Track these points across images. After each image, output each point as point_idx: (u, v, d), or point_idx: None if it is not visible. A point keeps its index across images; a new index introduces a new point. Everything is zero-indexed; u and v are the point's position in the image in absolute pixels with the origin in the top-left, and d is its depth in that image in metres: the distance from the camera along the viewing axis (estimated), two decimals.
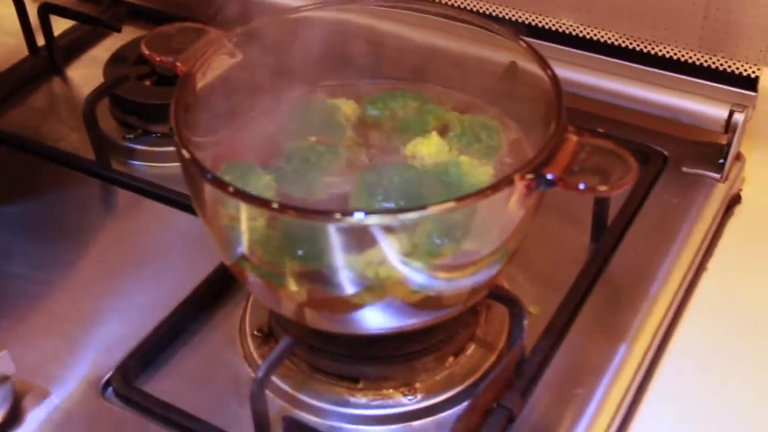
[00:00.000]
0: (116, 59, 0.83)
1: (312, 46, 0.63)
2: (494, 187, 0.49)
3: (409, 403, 0.59)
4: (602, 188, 0.50)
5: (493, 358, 0.61)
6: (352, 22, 0.63)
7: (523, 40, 0.59)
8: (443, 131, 0.61)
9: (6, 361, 0.57)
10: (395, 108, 0.63)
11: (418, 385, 0.59)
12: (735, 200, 0.75)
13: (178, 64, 0.58)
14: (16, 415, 0.58)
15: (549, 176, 0.49)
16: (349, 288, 0.52)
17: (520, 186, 0.50)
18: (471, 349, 0.62)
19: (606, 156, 0.51)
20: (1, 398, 0.57)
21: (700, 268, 0.69)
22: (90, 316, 0.65)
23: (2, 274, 0.68)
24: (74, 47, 0.92)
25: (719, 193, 0.73)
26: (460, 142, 0.60)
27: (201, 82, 0.59)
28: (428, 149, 0.59)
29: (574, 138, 0.52)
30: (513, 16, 0.79)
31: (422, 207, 0.50)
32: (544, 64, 0.56)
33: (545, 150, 0.50)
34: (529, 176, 0.49)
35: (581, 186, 0.49)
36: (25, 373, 0.59)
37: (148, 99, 0.79)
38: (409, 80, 0.66)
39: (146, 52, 0.59)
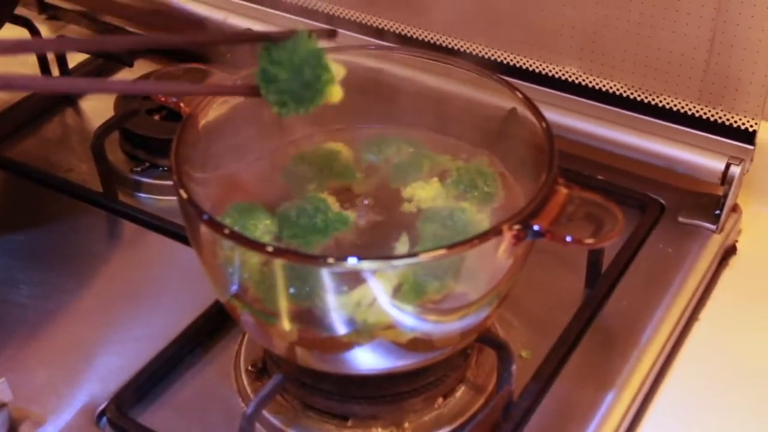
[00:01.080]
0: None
1: None
2: (482, 237, 0.50)
3: None
4: (588, 241, 0.51)
5: (482, 400, 0.62)
6: (350, 63, 0.64)
7: (519, 91, 0.60)
8: (441, 177, 0.62)
9: (4, 388, 0.58)
10: (390, 153, 0.64)
11: (406, 425, 0.60)
12: (730, 251, 0.75)
13: (182, 104, 0.60)
14: None
15: (536, 228, 0.51)
16: (339, 328, 0.53)
17: (508, 236, 0.51)
18: (460, 391, 0.62)
19: (595, 208, 0.52)
20: None
21: (692, 318, 0.70)
22: (88, 346, 0.66)
23: (5, 301, 0.69)
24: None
25: (714, 244, 0.74)
26: (457, 188, 0.61)
27: (203, 121, 0.61)
28: (427, 194, 0.60)
29: (563, 190, 0.53)
30: (519, 63, 0.81)
31: (414, 254, 0.51)
32: (539, 115, 0.57)
33: (534, 201, 0.52)
34: (517, 227, 0.50)
35: (568, 239, 0.50)
36: (21, 401, 0.60)
37: (156, 133, 0.81)
38: (404, 125, 0.67)
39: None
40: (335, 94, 0.54)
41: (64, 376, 0.63)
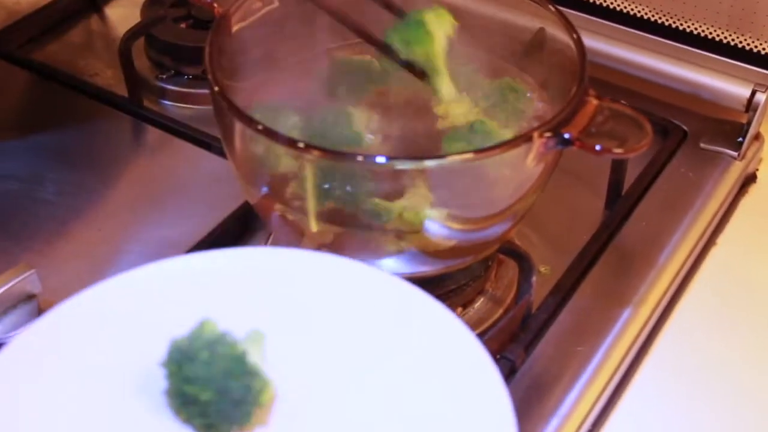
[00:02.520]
0: (153, 1, 0.85)
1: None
2: (512, 142, 0.51)
3: None
4: (618, 151, 0.51)
5: (500, 311, 0.63)
6: None
7: (552, 5, 0.60)
8: (470, 90, 0.62)
9: (33, 280, 0.60)
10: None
11: None
12: (750, 179, 0.76)
13: (215, 5, 0.60)
14: None
15: (567, 135, 0.51)
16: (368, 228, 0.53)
17: (538, 143, 0.51)
18: (479, 301, 0.64)
19: (623, 121, 0.52)
20: (27, 315, 0.60)
21: (710, 242, 0.70)
22: (114, 243, 0.67)
23: (33, 198, 0.70)
24: None
25: (735, 171, 0.74)
26: (486, 102, 0.61)
27: (236, 26, 0.61)
28: (460, 110, 0.61)
29: (594, 101, 0.53)
30: None
31: (442, 156, 0.52)
32: (570, 27, 0.58)
33: (565, 110, 0.52)
34: (548, 134, 0.51)
35: (597, 147, 0.51)
36: (49, 293, 0.61)
37: (182, 41, 0.81)
38: None
39: None
40: (269, 398, 0.45)
41: (91, 270, 0.64)
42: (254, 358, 0.44)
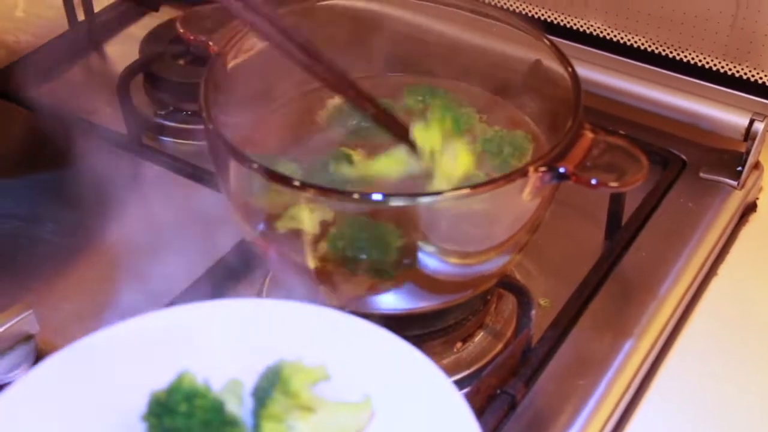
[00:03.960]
0: (152, 37, 0.86)
1: (341, 35, 0.64)
2: (508, 177, 0.51)
3: None
4: (614, 184, 0.51)
5: (500, 346, 0.63)
6: (380, 13, 0.64)
7: (546, 37, 0.60)
8: (471, 136, 0.62)
9: (31, 320, 0.60)
10: (431, 104, 0.64)
11: None
12: (750, 208, 0.76)
13: (211, 43, 0.60)
14: None
15: (562, 170, 0.51)
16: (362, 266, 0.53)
17: (533, 178, 0.51)
18: (479, 336, 0.63)
19: (619, 154, 0.52)
20: (25, 355, 0.59)
21: (711, 272, 0.70)
22: (112, 282, 0.67)
23: (32, 237, 0.70)
24: (113, 24, 0.94)
25: (735, 200, 0.74)
26: (483, 147, 0.61)
27: (232, 63, 0.61)
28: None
29: (589, 134, 0.53)
30: (541, 15, 0.81)
31: (438, 192, 0.52)
32: (565, 61, 0.58)
33: (560, 144, 0.52)
34: (543, 168, 0.51)
35: (593, 181, 0.51)
36: (48, 333, 0.61)
37: (180, 78, 0.81)
38: (436, 75, 0.67)
39: (180, 30, 0.61)
40: None
41: (89, 310, 0.64)
42: (232, 407, 0.45)
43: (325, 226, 0.52)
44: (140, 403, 0.45)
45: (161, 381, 0.45)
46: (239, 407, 0.46)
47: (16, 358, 0.59)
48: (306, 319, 0.51)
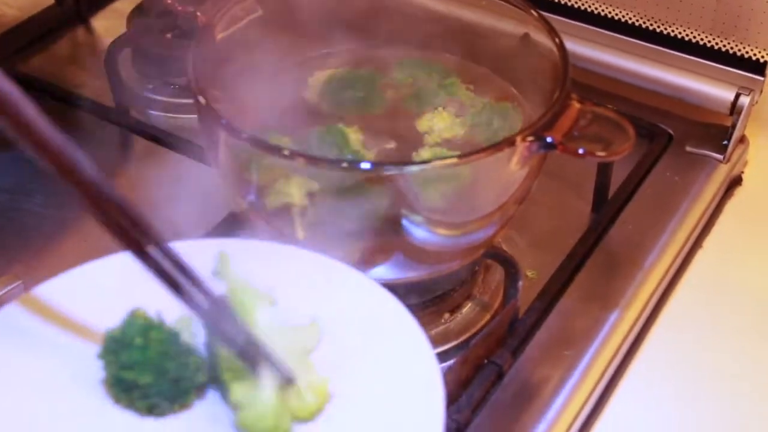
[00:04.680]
0: (139, 11, 0.85)
1: (331, 8, 0.64)
2: (496, 147, 0.51)
3: None
4: (601, 154, 0.51)
5: (487, 317, 0.63)
6: None
7: (534, 10, 0.60)
8: (459, 109, 0.62)
9: (20, 291, 0.60)
10: (418, 75, 0.64)
11: None
12: (736, 182, 0.76)
13: (199, 14, 0.60)
14: None
15: (549, 139, 0.51)
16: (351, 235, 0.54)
17: (521, 147, 0.51)
18: (467, 307, 0.64)
19: (606, 124, 0.53)
20: None
21: (696, 245, 0.71)
22: (100, 254, 0.66)
23: (21, 210, 0.70)
24: None
25: (720, 174, 0.74)
26: (472, 121, 0.61)
27: (220, 35, 0.61)
28: (442, 123, 0.61)
29: (576, 105, 0.53)
30: None
31: (426, 161, 0.52)
32: (552, 32, 0.58)
33: (547, 114, 0.52)
34: (530, 138, 0.51)
35: (581, 150, 0.51)
36: None
37: (168, 51, 0.81)
38: (426, 48, 0.67)
39: (168, 0, 0.61)
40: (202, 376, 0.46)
41: None
42: (187, 338, 0.45)
43: (312, 197, 0.53)
44: (97, 346, 0.45)
45: (114, 323, 0.46)
46: (191, 339, 0.46)
47: None
48: (254, 254, 0.51)
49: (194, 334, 0.47)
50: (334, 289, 0.50)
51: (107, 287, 0.51)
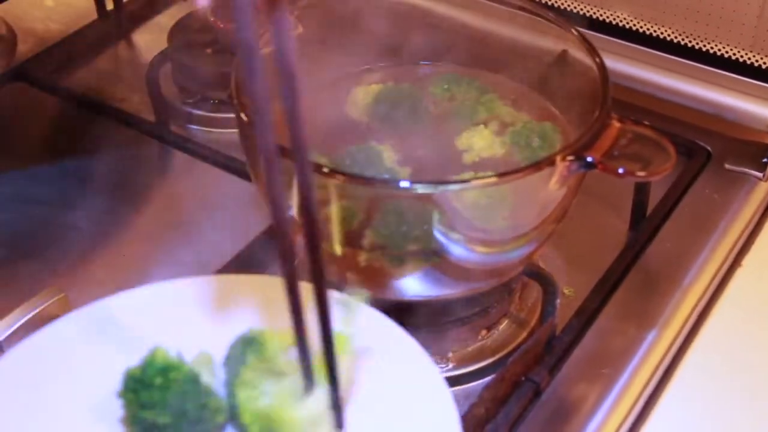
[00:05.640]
0: (180, 27, 0.86)
1: (371, 25, 0.65)
2: (536, 166, 0.51)
3: (440, 371, 0.61)
4: (641, 174, 0.51)
5: (524, 334, 0.63)
6: (409, 3, 0.65)
7: (574, 28, 0.60)
8: (500, 127, 0.63)
9: (63, 304, 0.60)
10: (457, 91, 0.64)
11: (450, 354, 0.62)
12: None
13: None
14: None
15: (589, 159, 0.51)
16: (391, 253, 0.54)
17: (561, 167, 0.51)
18: (504, 324, 0.64)
19: (646, 144, 0.53)
20: None
21: (735, 263, 0.70)
22: (140, 268, 0.68)
23: (62, 222, 0.71)
24: (141, 13, 0.95)
25: (760, 192, 0.74)
26: (511, 140, 0.61)
27: (262, 50, 0.62)
28: (482, 141, 0.61)
29: (616, 124, 0.53)
30: (570, 6, 0.81)
31: (465, 180, 0.52)
32: (592, 51, 0.58)
33: (588, 133, 0.52)
34: (570, 158, 0.51)
35: (620, 170, 0.51)
36: None
37: (208, 66, 0.82)
38: (465, 66, 0.67)
39: (211, 18, 0.61)
40: (221, 417, 0.47)
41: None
42: (206, 378, 0.46)
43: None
44: (116, 382, 0.46)
45: (133, 359, 0.46)
46: (212, 378, 0.47)
47: None
48: (269, 291, 0.51)
49: (214, 373, 0.48)
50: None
51: (129, 322, 0.51)
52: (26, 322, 0.58)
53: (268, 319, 0.50)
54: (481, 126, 0.62)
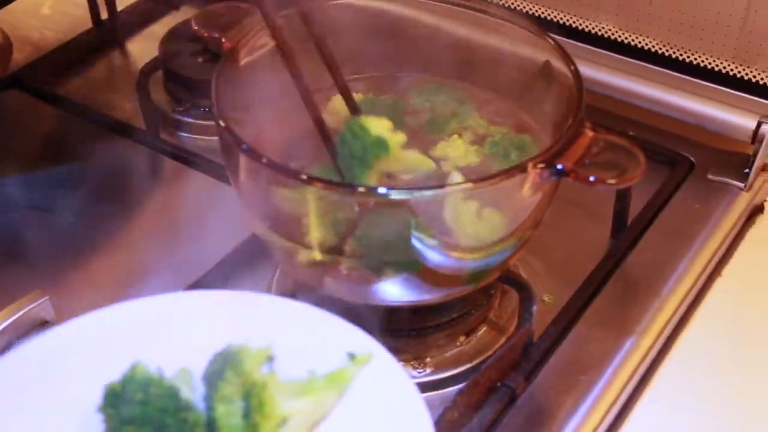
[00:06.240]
0: (172, 35, 0.87)
1: (351, 34, 0.66)
2: (508, 173, 0.52)
3: (418, 375, 0.62)
4: (611, 181, 0.52)
5: (502, 340, 0.64)
6: (389, 13, 0.65)
7: (549, 36, 0.61)
8: (479, 139, 0.63)
9: (47, 306, 0.61)
10: (435, 101, 0.65)
11: (428, 359, 0.62)
12: (757, 210, 0.76)
13: (224, 39, 0.62)
14: None
15: (560, 166, 0.52)
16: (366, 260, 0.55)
17: (533, 174, 0.52)
18: (482, 330, 0.64)
19: (619, 152, 0.53)
20: None
21: (715, 273, 0.71)
22: (129, 272, 0.69)
23: (51, 228, 0.72)
24: (135, 22, 0.96)
25: (742, 202, 0.75)
26: (490, 150, 0.62)
27: (244, 60, 0.63)
28: (456, 151, 0.62)
29: (589, 133, 0.54)
30: (553, 17, 0.82)
31: (440, 186, 0.53)
32: (567, 59, 0.59)
33: (560, 141, 0.53)
34: (542, 165, 0.52)
35: (591, 178, 0.52)
36: (63, 320, 0.63)
37: (198, 74, 0.83)
38: (444, 75, 0.68)
39: (195, 27, 0.62)
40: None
41: (106, 299, 0.65)
42: (185, 393, 0.47)
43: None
44: (96, 397, 0.46)
45: (114, 375, 0.47)
46: (191, 394, 0.48)
47: None
48: (248, 308, 0.53)
49: (193, 388, 0.49)
50: (324, 339, 0.52)
51: (109, 338, 0.52)
52: (10, 324, 0.59)
53: (246, 335, 0.51)
54: (455, 136, 0.62)
